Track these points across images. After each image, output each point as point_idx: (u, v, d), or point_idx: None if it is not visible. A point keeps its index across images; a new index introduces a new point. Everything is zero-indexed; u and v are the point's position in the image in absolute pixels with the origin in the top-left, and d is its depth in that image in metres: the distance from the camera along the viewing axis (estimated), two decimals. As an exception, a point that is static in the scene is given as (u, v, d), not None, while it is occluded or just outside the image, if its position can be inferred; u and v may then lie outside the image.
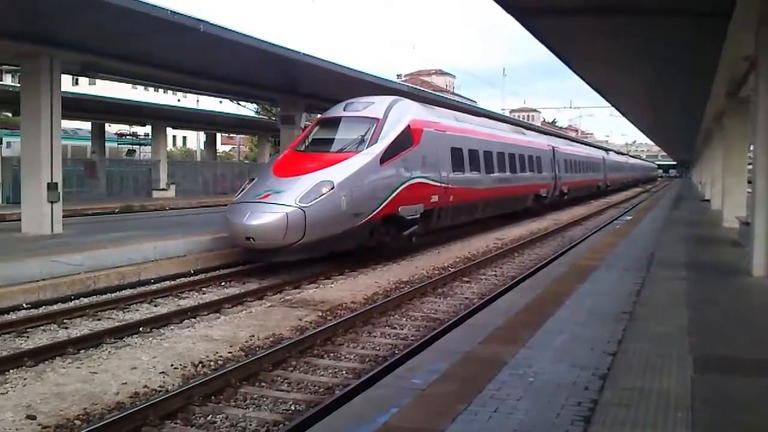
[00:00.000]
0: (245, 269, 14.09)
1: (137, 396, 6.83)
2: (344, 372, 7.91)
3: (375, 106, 16.46)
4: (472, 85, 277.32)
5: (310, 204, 13.06)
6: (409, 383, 5.68)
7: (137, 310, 10.28)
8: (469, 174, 20.39)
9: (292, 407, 6.73)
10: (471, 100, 61.12)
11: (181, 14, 14.13)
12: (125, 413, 6.13)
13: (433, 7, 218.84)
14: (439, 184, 17.65)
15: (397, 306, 11.12)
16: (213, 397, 6.87)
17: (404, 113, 16.75)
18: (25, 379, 7.28)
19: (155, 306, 10.90)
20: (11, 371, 7.51)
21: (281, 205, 13.04)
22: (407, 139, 16.23)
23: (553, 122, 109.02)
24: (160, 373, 7.53)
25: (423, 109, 18.43)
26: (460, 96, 66.22)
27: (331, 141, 15.76)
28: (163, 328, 9.48)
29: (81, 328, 9.48)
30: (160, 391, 6.95)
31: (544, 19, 12.03)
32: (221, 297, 11.47)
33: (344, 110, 16.76)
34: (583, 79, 20.97)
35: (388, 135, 15.65)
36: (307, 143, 16.16)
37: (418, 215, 16.56)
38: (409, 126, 16.48)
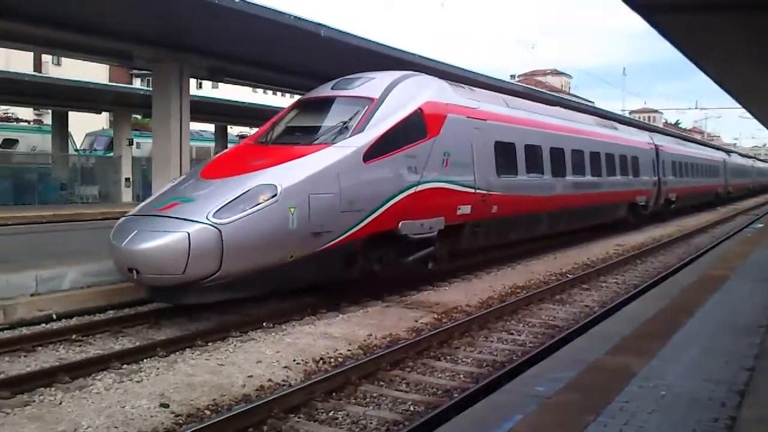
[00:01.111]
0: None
1: (262, 389, 7.05)
2: (461, 376, 7.86)
3: (374, 82, 12.14)
4: (590, 86, 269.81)
5: (231, 220, 8.90)
6: (533, 390, 5.58)
7: (262, 306, 10.63)
8: (526, 177, 15.69)
9: (411, 408, 6.74)
10: (588, 101, 59.35)
11: (304, 19, 14.50)
12: (251, 405, 6.33)
13: (554, 7, 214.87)
14: (471, 191, 13.28)
15: (514, 311, 10.95)
16: (334, 394, 6.99)
17: (416, 93, 12.33)
18: (157, 368, 7.65)
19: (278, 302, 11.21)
20: (145, 360, 7.94)
21: (184, 220, 8.87)
22: (416, 127, 11.91)
23: (676, 123, 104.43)
24: (284, 367, 7.74)
25: (450, 89, 13.68)
26: (576, 96, 64.42)
27: (304, 130, 11.63)
28: (284, 324, 9.75)
29: (209, 321, 9.88)
30: (283, 385, 7.16)
31: (674, 16, 11.49)
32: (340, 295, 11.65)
33: (332, 89, 12.41)
34: (714, 79, 19.81)
35: (383, 122, 11.27)
36: (274, 133, 11.83)
37: (436, 233, 12.27)
38: (421, 110, 12.08)
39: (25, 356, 8.13)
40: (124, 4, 12.77)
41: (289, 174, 9.79)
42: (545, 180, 16.78)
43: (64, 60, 45.16)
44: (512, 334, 9.74)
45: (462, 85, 14.85)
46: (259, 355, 8.19)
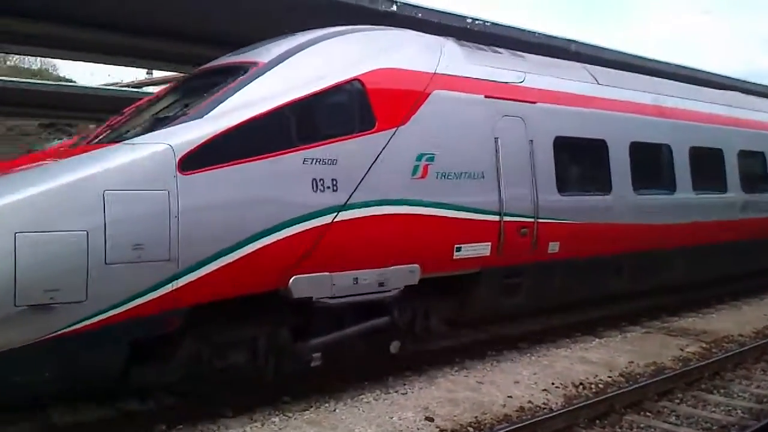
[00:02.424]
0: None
1: (522, 410, 7.01)
2: (739, 411, 7.22)
3: (286, 42, 7.75)
4: None
5: None
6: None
7: (514, 325, 10.60)
8: (634, 195, 10.27)
9: (684, 443, 6.32)
10: None
11: (554, 36, 14.37)
12: (515, 426, 6.32)
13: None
14: (493, 218, 8.34)
15: (796, 343, 9.81)
16: (597, 421, 6.77)
17: (357, 55, 7.76)
18: (420, 382, 7.95)
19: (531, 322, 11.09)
20: (407, 373, 8.28)
21: None
22: (342, 111, 7.28)
23: None
24: (542, 390, 7.65)
25: (456, 52, 8.75)
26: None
27: (143, 119, 7.30)
28: (538, 346, 9.64)
29: (464, 338, 10.02)
30: (544, 408, 7.07)
31: None
32: (594, 317, 11.28)
33: (230, 56, 8.31)
34: None
35: (255, 102, 6.74)
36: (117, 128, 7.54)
37: (396, 291, 7.50)
38: (359, 82, 7.41)
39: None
40: None
41: None
42: (677, 198, 11.11)
43: None
44: (796, 368, 8.75)
45: (497, 49, 9.70)
46: (516, 375, 8.17)
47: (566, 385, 7.82)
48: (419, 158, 7.69)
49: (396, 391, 7.56)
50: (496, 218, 8.35)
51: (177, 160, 6.03)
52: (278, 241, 6.55)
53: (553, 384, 7.85)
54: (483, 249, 8.29)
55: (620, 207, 10.03)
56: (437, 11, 12.24)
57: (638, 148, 10.42)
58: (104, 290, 5.66)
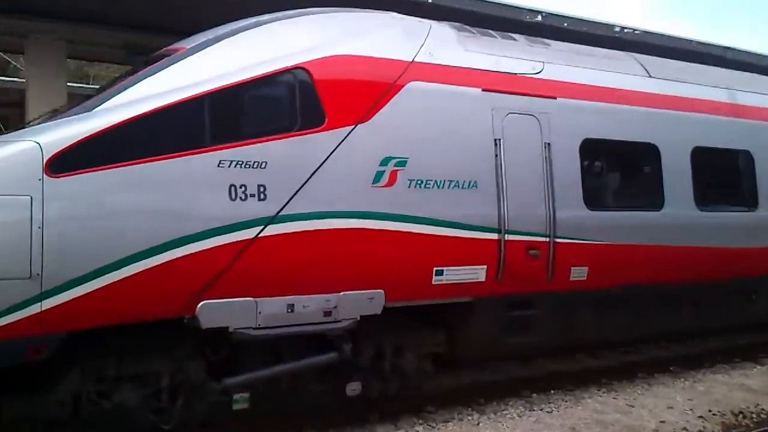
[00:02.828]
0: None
1: (676, 437, 6.71)
2: None
3: (221, 29, 6.58)
4: None
5: None
6: None
7: (667, 348, 10.13)
8: (691, 211, 8.42)
9: None
10: None
11: (707, 44, 13.68)
12: (669, 452, 6.05)
13: None
14: (490, 236, 6.90)
15: None
16: (760, 454, 6.35)
17: (302, 39, 6.50)
18: (565, 401, 7.76)
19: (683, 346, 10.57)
20: (552, 392, 8.08)
21: None
22: (275, 105, 6.18)
23: None
24: (698, 417, 7.27)
25: (448, 36, 7.43)
26: None
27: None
28: (693, 371, 9.13)
29: (611, 360, 9.66)
30: (698, 436, 6.72)
31: None
32: (754, 342, 10.55)
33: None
34: None
35: (159, 95, 5.67)
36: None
37: (344, 323, 6.22)
38: (304, 71, 6.21)
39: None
40: None
41: None
42: (761, 216, 9.07)
43: None
44: None
45: (510, 35, 8.16)
46: (670, 400, 7.79)
47: (724, 413, 7.39)
48: (384, 162, 6.35)
49: (541, 409, 7.44)
50: (495, 236, 6.89)
51: (45, 160, 5.06)
52: (179, 258, 5.38)
53: (710, 411, 7.43)
54: (476, 273, 6.81)
55: (677, 226, 8.17)
56: (585, 20, 11.96)
57: (704, 155, 8.53)
58: None
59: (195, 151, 5.59)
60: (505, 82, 7.29)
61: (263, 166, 5.80)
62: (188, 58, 6.04)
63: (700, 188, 8.44)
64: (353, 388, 6.53)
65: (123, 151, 5.32)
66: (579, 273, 7.38)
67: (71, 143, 5.17)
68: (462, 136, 6.85)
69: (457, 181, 6.71)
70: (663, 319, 8.45)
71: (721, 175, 8.96)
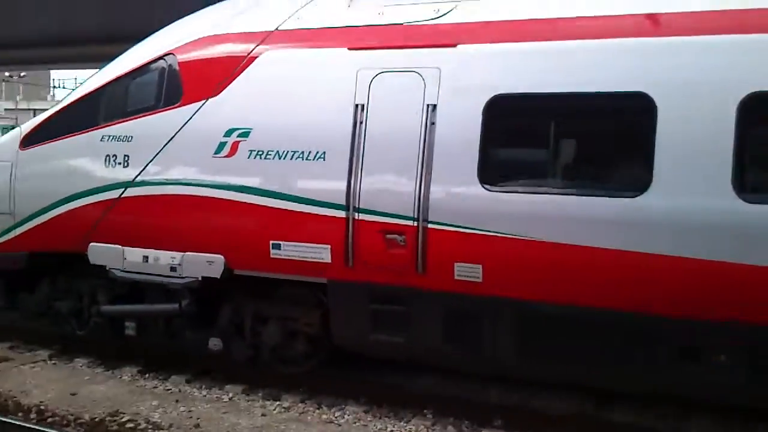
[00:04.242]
0: None
1: None
2: None
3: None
4: None
5: None
6: None
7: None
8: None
9: None
10: None
11: None
12: None
13: None
14: (337, 213, 6.14)
15: None
16: None
17: (190, 28, 7.42)
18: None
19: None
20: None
21: None
22: (148, 88, 7.17)
23: None
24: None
25: None
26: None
27: None
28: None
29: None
30: None
31: None
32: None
33: None
34: None
35: (85, 88, 7.83)
36: None
37: (187, 280, 6.85)
38: (172, 57, 7.07)
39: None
40: None
41: None
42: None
43: None
44: None
45: None
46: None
47: None
48: (228, 134, 6.54)
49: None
50: (340, 214, 6.09)
51: (20, 139, 7.83)
52: (76, 209, 7.34)
53: None
54: (318, 253, 6.22)
55: (676, 221, 5.17)
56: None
57: (760, 110, 5.06)
58: None
59: (90, 129, 7.34)
60: (380, 37, 6.28)
61: (130, 139, 7.08)
62: (112, 62, 7.72)
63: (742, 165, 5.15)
64: (215, 343, 7.02)
65: (49, 132, 7.66)
66: (468, 272, 5.74)
67: (30, 128, 7.86)
68: (314, 103, 6.34)
69: (302, 152, 6.25)
70: (628, 364, 5.57)
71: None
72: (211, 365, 7.36)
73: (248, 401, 6.72)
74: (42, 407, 6.43)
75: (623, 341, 5.42)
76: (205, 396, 6.87)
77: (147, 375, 7.44)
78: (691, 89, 5.19)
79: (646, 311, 5.25)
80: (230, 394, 6.90)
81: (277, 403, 6.63)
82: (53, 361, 7.89)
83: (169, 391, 6.99)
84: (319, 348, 6.75)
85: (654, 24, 5.46)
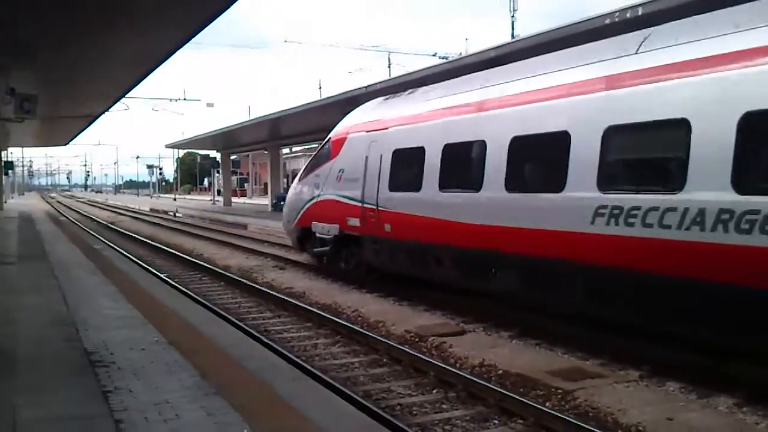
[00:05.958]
0: None
1: None
2: None
3: None
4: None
5: None
6: None
7: None
8: None
9: None
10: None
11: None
12: None
13: None
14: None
15: None
16: None
17: None
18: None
19: None
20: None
21: None
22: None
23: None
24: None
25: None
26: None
27: None
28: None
29: None
30: None
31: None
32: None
33: None
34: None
35: None
36: None
37: None
38: None
39: None
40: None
41: None
42: None
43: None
44: None
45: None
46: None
47: None
48: (340, 171, 14.72)
49: None
50: (359, 204, 13.84)
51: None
52: (306, 207, 15.93)
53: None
54: (356, 222, 13.99)
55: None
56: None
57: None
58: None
59: (311, 171, 16.34)
60: (373, 125, 14.25)
61: (319, 176, 15.59)
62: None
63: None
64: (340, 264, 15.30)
65: (303, 173, 16.98)
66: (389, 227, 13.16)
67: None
68: (357, 155, 14.18)
69: (356, 177, 13.99)
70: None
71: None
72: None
73: None
74: (640, 428, 6.42)
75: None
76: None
77: (745, 408, 6.88)
78: None
79: None
80: None
81: None
82: (644, 383, 7.73)
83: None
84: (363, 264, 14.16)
85: None
